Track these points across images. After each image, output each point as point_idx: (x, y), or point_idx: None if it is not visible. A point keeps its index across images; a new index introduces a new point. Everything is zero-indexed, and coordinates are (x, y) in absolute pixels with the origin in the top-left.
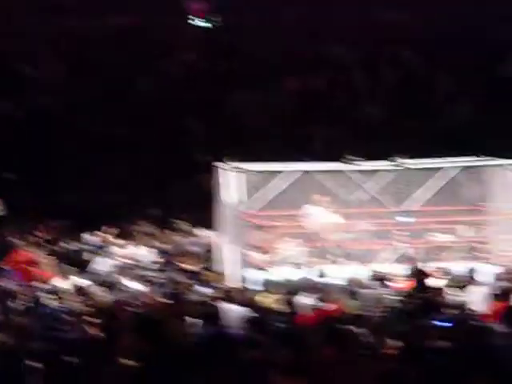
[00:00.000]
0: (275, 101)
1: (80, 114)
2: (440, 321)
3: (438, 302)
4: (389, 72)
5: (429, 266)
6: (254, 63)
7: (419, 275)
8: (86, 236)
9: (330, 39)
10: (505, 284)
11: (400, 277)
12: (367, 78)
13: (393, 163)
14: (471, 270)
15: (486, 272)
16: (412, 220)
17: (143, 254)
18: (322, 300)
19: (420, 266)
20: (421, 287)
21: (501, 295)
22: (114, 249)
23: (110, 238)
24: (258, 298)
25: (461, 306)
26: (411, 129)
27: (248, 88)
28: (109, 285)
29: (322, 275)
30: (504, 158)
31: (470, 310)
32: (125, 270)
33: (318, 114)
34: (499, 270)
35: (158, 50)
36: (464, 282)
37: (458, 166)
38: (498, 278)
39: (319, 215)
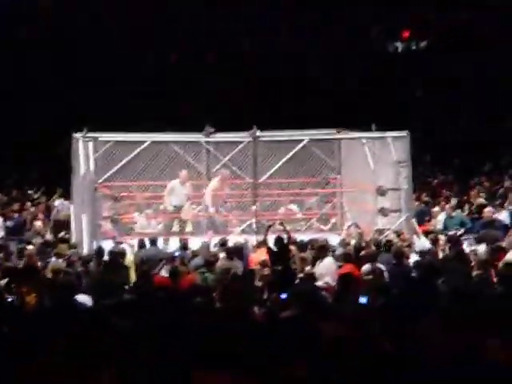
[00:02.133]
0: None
1: None
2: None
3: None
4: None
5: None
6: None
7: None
8: None
9: None
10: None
11: (256, 247)
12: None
13: (248, 134)
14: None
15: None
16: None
17: None
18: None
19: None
20: (278, 257)
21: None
22: None
23: None
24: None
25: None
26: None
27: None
28: None
29: (182, 247)
30: (356, 130)
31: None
32: None
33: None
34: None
35: None
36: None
37: (310, 139)
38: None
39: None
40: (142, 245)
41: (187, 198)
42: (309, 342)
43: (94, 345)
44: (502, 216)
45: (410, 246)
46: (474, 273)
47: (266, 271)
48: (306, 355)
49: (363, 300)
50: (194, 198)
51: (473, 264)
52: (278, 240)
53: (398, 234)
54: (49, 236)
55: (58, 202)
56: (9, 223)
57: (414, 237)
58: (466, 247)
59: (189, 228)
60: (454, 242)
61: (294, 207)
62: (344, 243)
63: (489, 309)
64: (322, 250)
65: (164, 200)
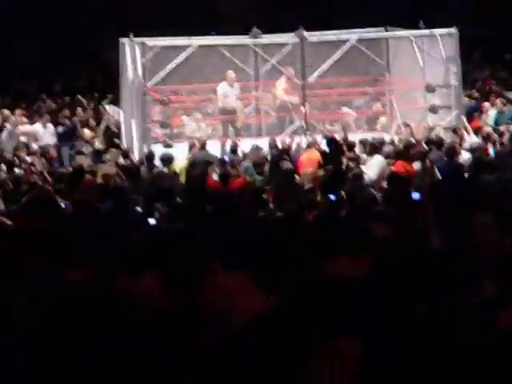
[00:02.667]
0: None
1: None
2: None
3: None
4: None
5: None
6: None
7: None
8: None
9: None
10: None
11: (307, 148)
12: None
13: (295, 35)
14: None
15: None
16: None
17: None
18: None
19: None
20: (330, 158)
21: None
22: (18, 127)
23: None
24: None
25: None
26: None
27: None
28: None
29: (232, 150)
30: (404, 27)
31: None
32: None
33: None
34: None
35: None
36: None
37: (357, 38)
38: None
39: (231, 92)
40: (191, 148)
41: (238, 100)
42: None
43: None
44: None
45: (460, 142)
46: None
47: (319, 172)
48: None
49: (416, 196)
50: (243, 99)
51: None
52: (331, 141)
53: (454, 129)
54: (98, 144)
55: (110, 109)
56: (60, 129)
57: (465, 133)
58: None
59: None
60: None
61: (344, 109)
62: (394, 141)
63: None
64: (371, 148)
65: (213, 102)
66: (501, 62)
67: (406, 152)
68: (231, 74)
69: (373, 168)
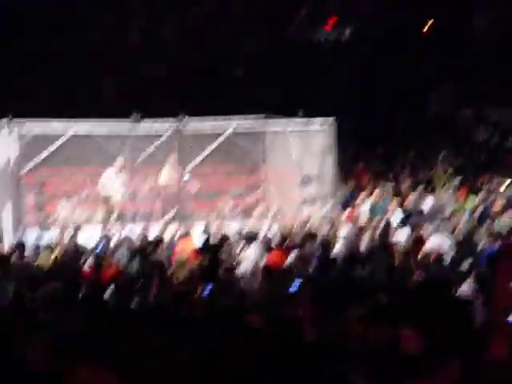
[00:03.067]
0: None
1: None
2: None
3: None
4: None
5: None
6: None
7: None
8: None
9: None
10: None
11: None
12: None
13: (174, 123)
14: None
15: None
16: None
17: None
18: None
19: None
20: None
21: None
22: None
23: None
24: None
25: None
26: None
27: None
28: None
29: (108, 238)
30: (283, 115)
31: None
32: None
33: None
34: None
35: None
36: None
37: (233, 130)
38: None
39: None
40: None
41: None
42: (234, 334)
43: None
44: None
45: (335, 233)
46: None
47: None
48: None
49: (294, 287)
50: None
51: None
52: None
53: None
54: None
55: None
56: None
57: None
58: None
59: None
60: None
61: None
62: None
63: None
64: (247, 239)
65: (97, 188)
66: (375, 155)
67: (282, 242)
68: (121, 161)
69: (246, 260)
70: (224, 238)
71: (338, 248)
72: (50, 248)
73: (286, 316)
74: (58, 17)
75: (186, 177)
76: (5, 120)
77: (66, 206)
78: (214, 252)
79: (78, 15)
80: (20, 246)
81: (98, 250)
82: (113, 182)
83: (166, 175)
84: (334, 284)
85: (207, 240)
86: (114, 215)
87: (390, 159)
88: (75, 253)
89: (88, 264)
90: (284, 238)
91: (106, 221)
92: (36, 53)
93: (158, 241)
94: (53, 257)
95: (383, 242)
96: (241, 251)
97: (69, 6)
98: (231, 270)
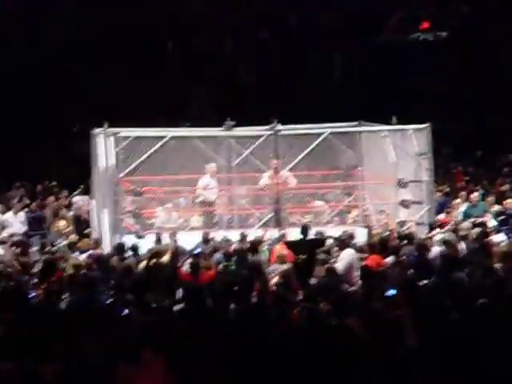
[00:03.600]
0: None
1: None
2: None
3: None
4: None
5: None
6: None
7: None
8: None
9: None
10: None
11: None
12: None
13: (269, 128)
14: (349, 234)
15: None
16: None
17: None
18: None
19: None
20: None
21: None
22: None
23: None
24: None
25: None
26: (286, 94)
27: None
28: None
29: (204, 241)
30: (376, 123)
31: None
32: None
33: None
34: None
35: None
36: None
37: (331, 132)
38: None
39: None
40: (158, 240)
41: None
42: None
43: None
44: None
45: (431, 238)
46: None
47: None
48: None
49: (392, 292)
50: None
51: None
52: (304, 228)
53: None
54: (73, 236)
55: (77, 198)
56: (30, 217)
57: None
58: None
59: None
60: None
61: (318, 202)
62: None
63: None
64: (342, 242)
65: (196, 194)
66: (472, 158)
67: (379, 246)
68: (213, 166)
69: (342, 261)
70: (321, 240)
71: (435, 251)
72: (150, 253)
73: (387, 319)
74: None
75: (286, 172)
76: (100, 129)
77: (164, 211)
78: (311, 253)
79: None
80: (119, 250)
81: (195, 252)
82: (210, 186)
83: (266, 179)
84: (433, 287)
85: (303, 242)
86: (214, 220)
87: (487, 162)
88: (173, 256)
89: (186, 266)
90: (381, 242)
91: (204, 225)
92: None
93: (256, 243)
94: (152, 261)
95: (481, 243)
96: (337, 254)
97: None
98: (333, 269)
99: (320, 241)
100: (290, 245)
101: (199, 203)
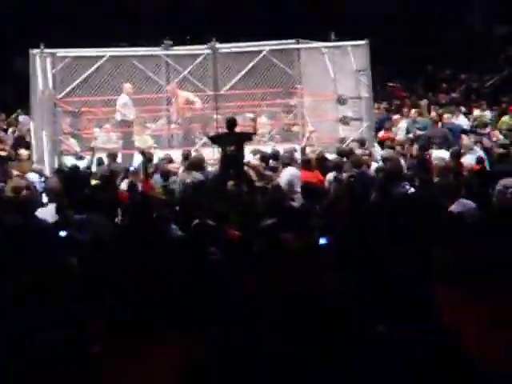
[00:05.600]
0: None
1: None
2: None
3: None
4: None
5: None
6: None
7: None
8: None
9: None
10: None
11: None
12: None
13: (207, 46)
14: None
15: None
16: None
17: None
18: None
19: None
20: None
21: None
22: None
23: None
24: None
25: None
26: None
27: None
28: None
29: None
30: (315, 40)
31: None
32: None
33: None
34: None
35: None
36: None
37: (271, 49)
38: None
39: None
40: (100, 162)
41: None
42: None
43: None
44: (460, 120)
45: (370, 154)
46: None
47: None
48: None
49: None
50: (152, 111)
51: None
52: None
53: (361, 142)
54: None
55: (21, 118)
56: None
57: (375, 145)
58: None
59: (150, 142)
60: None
61: (262, 119)
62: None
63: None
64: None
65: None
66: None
67: (318, 162)
68: (130, 87)
69: (283, 178)
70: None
71: (375, 168)
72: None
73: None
74: None
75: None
76: (37, 49)
77: (102, 131)
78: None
79: None
80: (59, 172)
81: (131, 170)
82: (128, 105)
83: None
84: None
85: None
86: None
87: (426, 78)
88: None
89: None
90: (319, 159)
91: (124, 146)
92: None
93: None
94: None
95: (421, 158)
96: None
97: None
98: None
99: (248, 135)
100: (215, 138)
101: (119, 122)
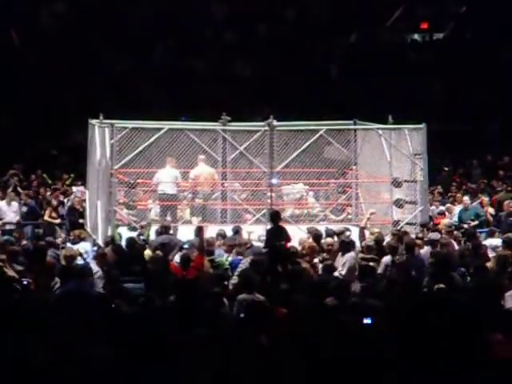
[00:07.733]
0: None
1: None
2: None
3: None
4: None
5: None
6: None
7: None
8: None
9: None
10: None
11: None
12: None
13: (265, 124)
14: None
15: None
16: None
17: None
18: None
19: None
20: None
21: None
22: None
23: None
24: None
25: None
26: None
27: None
28: None
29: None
30: (372, 121)
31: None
32: None
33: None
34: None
35: None
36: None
37: (327, 129)
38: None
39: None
40: (159, 233)
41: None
42: None
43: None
44: None
45: (422, 238)
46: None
47: None
48: None
49: (368, 321)
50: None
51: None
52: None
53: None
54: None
55: (75, 189)
56: (24, 208)
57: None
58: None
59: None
60: (470, 235)
61: (310, 199)
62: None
63: None
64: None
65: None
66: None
67: (376, 246)
68: (173, 160)
69: (346, 264)
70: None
71: (425, 252)
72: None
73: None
74: None
75: (274, 181)
76: (96, 120)
77: (154, 203)
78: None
79: None
80: (113, 243)
81: (186, 246)
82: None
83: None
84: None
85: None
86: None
87: (483, 165)
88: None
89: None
90: (377, 242)
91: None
92: None
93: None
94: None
95: (473, 245)
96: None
97: None
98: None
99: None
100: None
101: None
